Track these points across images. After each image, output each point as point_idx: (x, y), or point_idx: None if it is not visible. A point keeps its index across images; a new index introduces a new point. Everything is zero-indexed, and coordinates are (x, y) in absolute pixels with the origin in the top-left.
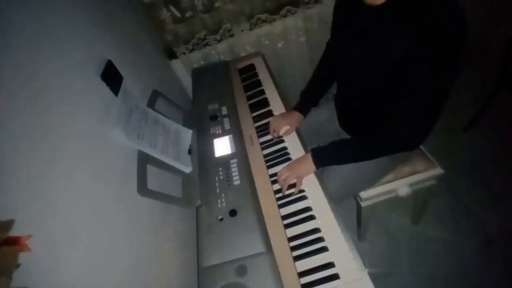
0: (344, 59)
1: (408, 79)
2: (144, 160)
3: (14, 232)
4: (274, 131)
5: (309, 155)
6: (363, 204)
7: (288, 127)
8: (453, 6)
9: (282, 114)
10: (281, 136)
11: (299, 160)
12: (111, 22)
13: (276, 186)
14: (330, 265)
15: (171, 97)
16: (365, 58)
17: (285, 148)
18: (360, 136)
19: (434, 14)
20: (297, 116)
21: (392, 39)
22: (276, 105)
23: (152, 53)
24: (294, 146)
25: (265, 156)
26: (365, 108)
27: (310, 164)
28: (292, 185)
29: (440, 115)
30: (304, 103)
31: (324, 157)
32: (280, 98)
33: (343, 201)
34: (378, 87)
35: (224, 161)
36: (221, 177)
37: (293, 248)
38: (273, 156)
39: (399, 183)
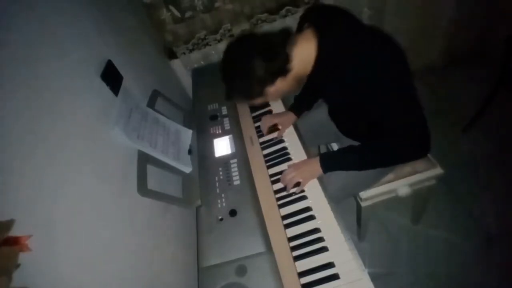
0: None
1: (365, 105)
2: (144, 160)
3: (14, 232)
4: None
5: (317, 159)
6: (363, 204)
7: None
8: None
9: (274, 114)
10: (281, 136)
11: (306, 162)
12: (111, 22)
13: (276, 186)
14: (330, 265)
15: (171, 97)
16: (331, 101)
17: (285, 148)
18: (353, 137)
19: (350, 69)
20: (290, 116)
21: (333, 91)
22: (276, 105)
23: (152, 53)
24: (294, 146)
25: (265, 156)
26: (353, 121)
27: (317, 168)
28: (295, 184)
29: (422, 118)
30: (297, 106)
31: (332, 163)
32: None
33: (343, 201)
34: (351, 113)
35: (224, 161)
36: (221, 177)
37: (293, 248)
38: (273, 156)
39: (399, 183)
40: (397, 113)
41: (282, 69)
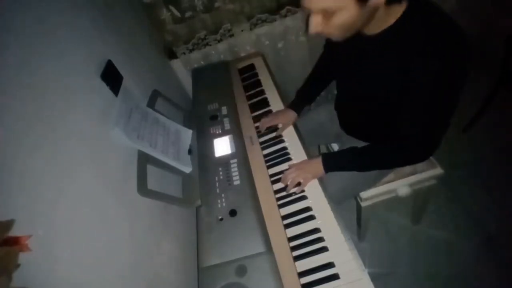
0: (344, 77)
1: (409, 96)
2: (144, 160)
3: (14, 232)
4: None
5: (320, 159)
6: (363, 204)
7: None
8: (443, 36)
9: (275, 113)
10: (281, 136)
11: (308, 162)
12: (111, 22)
13: (276, 186)
14: (330, 265)
15: (171, 97)
16: (366, 79)
17: (285, 148)
18: (358, 135)
19: (423, 45)
20: (290, 113)
21: (389, 63)
22: (276, 105)
23: (152, 53)
24: (294, 146)
25: (265, 156)
26: (366, 115)
27: (319, 168)
28: (296, 184)
29: (448, 125)
30: (298, 102)
31: (334, 164)
32: (280, 98)
33: (343, 202)
34: (378, 102)
35: (224, 161)
36: (221, 177)
37: (293, 248)
38: (273, 156)
39: (399, 183)
40: (425, 122)
41: None
